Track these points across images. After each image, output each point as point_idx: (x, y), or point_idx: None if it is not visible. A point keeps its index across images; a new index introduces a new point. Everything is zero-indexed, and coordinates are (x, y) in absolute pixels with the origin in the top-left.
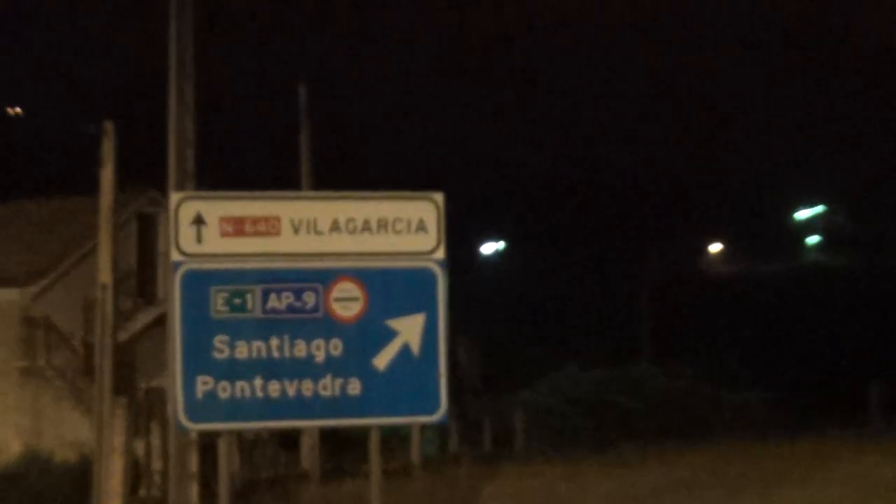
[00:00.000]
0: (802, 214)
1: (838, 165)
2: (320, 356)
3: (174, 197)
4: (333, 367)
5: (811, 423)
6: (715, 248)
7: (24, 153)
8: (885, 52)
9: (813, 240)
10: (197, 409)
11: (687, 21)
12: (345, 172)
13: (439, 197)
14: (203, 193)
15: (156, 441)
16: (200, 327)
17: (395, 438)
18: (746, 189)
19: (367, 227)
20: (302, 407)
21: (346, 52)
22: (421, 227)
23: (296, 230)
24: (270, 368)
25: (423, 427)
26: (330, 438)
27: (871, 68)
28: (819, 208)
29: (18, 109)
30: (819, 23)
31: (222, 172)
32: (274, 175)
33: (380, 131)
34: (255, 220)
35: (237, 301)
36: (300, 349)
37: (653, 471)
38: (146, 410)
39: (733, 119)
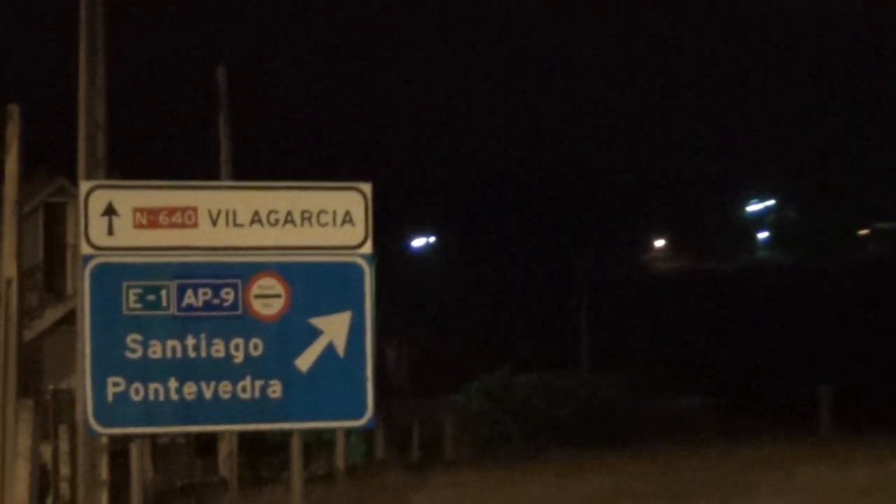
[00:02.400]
0: (753, 208)
1: (792, 156)
2: (239, 357)
3: (84, 185)
4: (253, 368)
5: (758, 430)
6: (658, 243)
7: None
8: (841, 42)
9: (763, 235)
10: (108, 413)
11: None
12: (266, 163)
13: (367, 187)
14: (115, 182)
15: (64, 446)
16: (112, 325)
17: (318, 444)
18: (692, 181)
19: (289, 219)
20: (220, 410)
21: (269, 35)
22: (347, 219)
23: (214, 222)
24: (186, 369)
25: (349, 432)
26: (249, 444)
27: (828, 59)
28: (770, 202)
29: None
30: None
31: (137, 161)
32: (192, 166)
33: (303, 120)
34: (171, 211)
35: (151, 297)
36: (218, 349)
37: (589, 479)
38: (54, 413)
39: (679, 106)
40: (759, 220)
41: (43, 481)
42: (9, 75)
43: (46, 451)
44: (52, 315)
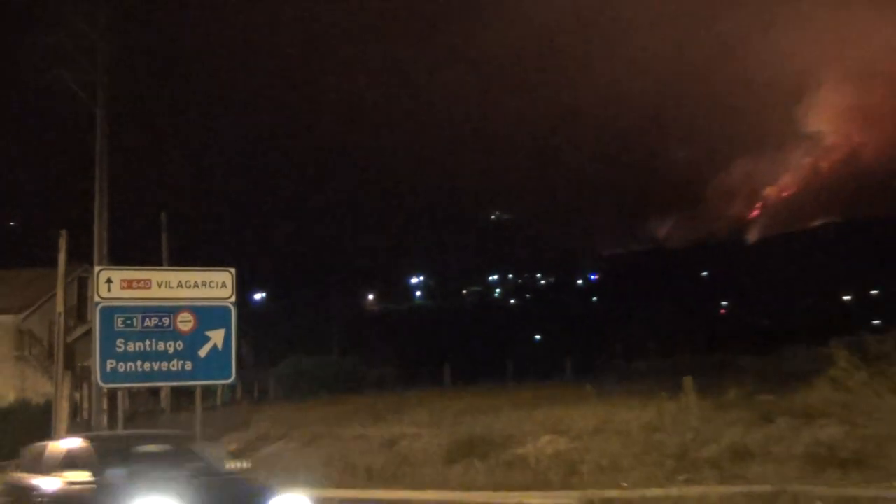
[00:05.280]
0: (413, 279)
1: (433, 251)
2: (171, 350)
3: (97, 268)
4: (178, 355)
5: (414, 385)
6: (371, 296)
7: (18, 247)
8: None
9: (418, 294)
10: (107, 377)
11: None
12: (190, 253)
13: (233, 270)
14: (112, 267)
15: (85, 393)
16: (110, 335)
17: (208, 391)
18: (385, 264)
19: (196, 284)
20: (162, 375)
21: (192, 192)
22: (224, 285)
23: (159, 286)
24: (145, 356)
25: (223, 385)
26: (176, 391)
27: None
28: (421, 276)
29: (12, 223)
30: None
31: (121, 257)
32: (149, 257)
33: (208, 233)
34: (138, 281)
35: (129, 321)
36: (161, 347)
37: (339, 407)
38: (81, 377)
39: (371, 214)
40: (416, 285)
41: (75, 409)
42: (61, 215)
43: (77, 396)
44: (80, 330)
